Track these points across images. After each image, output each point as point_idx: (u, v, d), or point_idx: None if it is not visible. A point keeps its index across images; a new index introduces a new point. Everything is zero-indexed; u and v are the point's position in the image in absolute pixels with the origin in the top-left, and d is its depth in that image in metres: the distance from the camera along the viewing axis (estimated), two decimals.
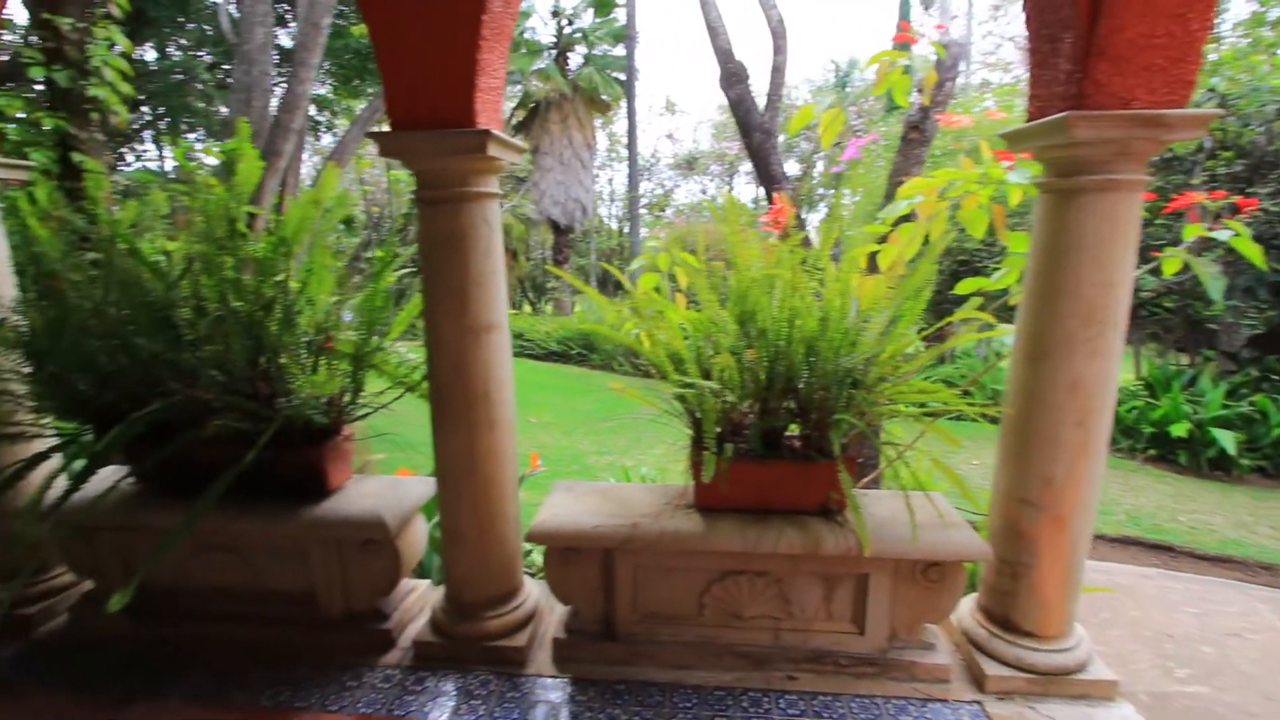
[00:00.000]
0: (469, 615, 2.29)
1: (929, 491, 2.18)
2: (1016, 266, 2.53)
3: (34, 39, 2.96)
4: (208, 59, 12.94)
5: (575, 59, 20.34)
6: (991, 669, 2.10)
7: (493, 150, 1.92)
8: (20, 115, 2.97)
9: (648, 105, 34.80)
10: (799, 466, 2.08)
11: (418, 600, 2.58)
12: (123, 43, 3.12)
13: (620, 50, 19.57)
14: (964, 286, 2.76)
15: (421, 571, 2.98)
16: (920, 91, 3.00)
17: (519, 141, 2.07)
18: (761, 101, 4.80)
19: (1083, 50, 1.68)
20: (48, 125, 2.92)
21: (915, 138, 3.70)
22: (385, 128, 1.95)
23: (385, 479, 2.50)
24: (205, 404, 1.92)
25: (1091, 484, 1.95)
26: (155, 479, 2.35)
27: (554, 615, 2.49)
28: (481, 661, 2.27)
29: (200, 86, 12.78)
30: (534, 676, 2.22)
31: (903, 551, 2.02)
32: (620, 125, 27.10)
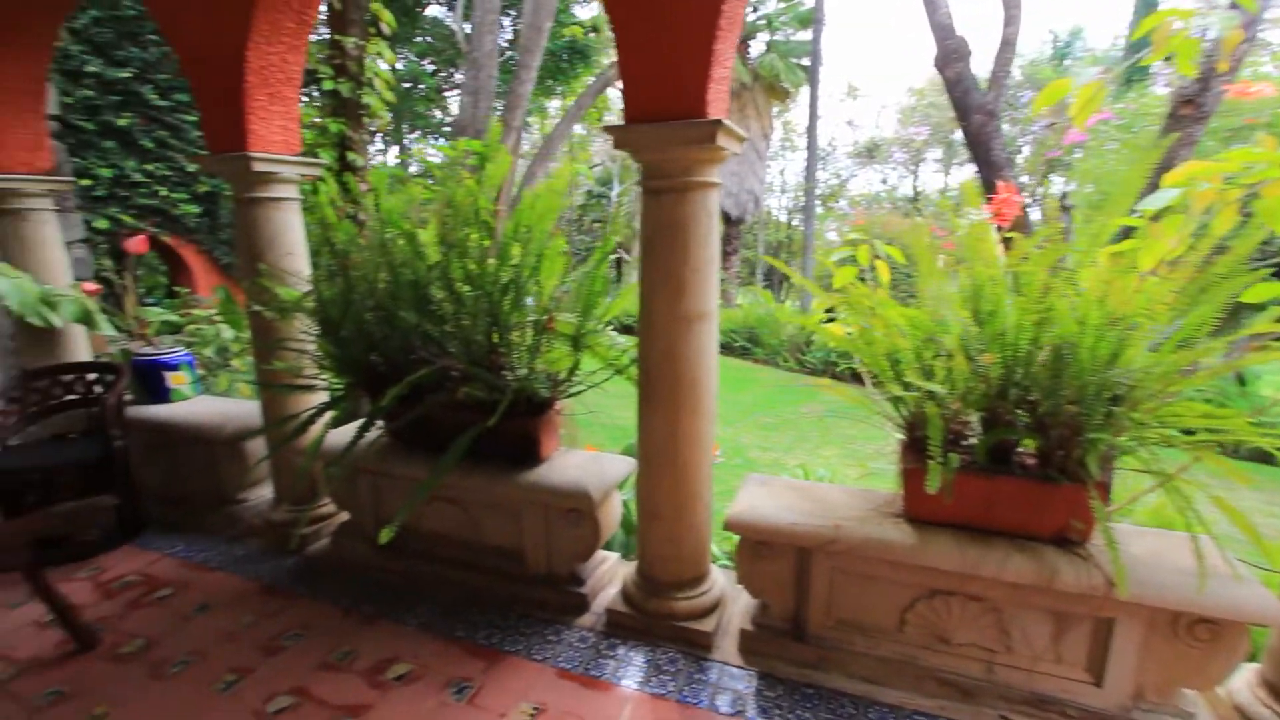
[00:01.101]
0: (659, 593, 2.37)
1: (1196, 534, 1.84)
2: None
3: (323, 56, 3.59)
4: (429, 67, 14.63)
5: (756, 46, 19.97)
6: None
7: (721, 140, 1.94)
8: (314, 121, 3.63)
9: (828, 91, 33.20)
10: (1036, 486, 1.86)
11: (609, 571, 2.73)
12: (388, 56, 3.67)
13: (805, 35, 18.85)
14: (1258, 293, 2.28)
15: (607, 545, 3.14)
16: (1209, 57, 2.52)
17: (742, 130, 2.06)
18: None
19: None
20: (333, 129, 3.53)
21: (1189, 114, 3.11)
22: (614, 121, 2.05)
23: (587, 454, 2.66)
24: (456, 372, 2.17)
25: None
26: (402, 434, 2.72)
27: (737, 605, 2.50)
28: (670, 639, 2.34)
29: (422, 91, 14.48)
30: (720, 663, 2.24)
31: (1168, 600, 1.72)
32: (797, 113, 26.19)
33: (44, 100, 3.48)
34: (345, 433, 2.85)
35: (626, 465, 2.63)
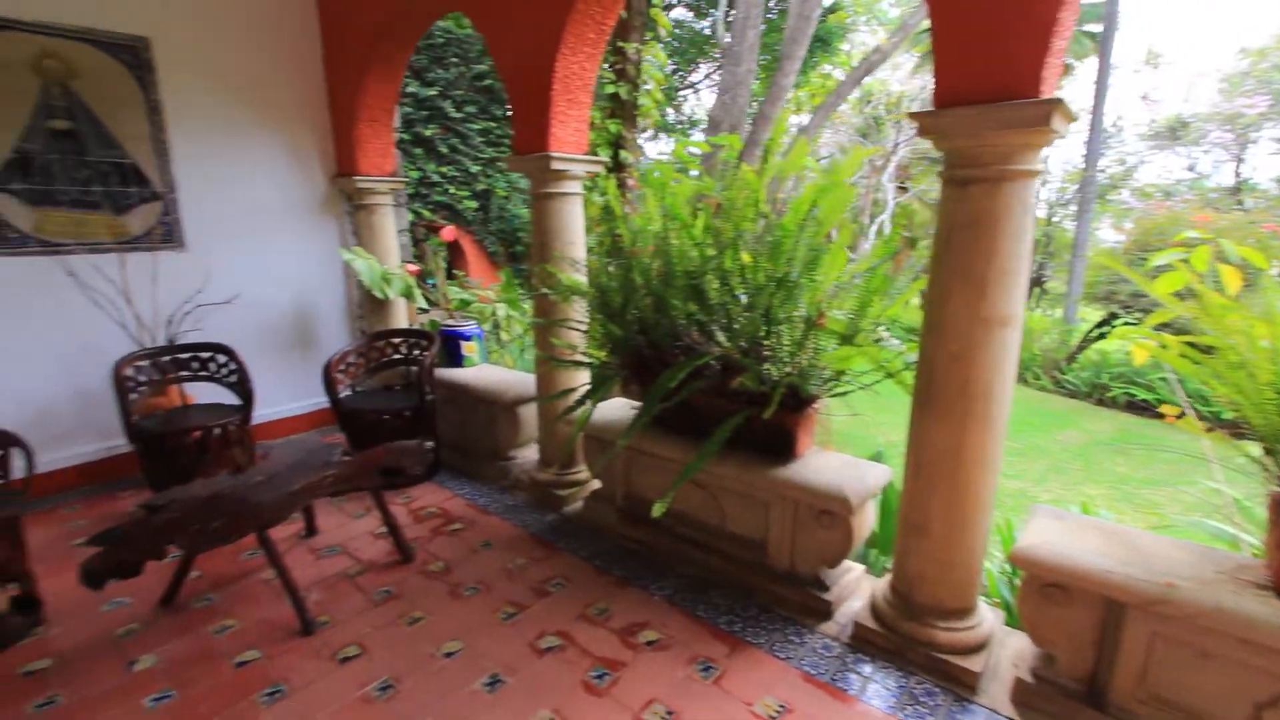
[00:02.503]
0: (916, 616, 2.20)
1: None
2: None
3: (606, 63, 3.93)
4: (669, 68, 15.21)
5: None
6: None
7: (1055, 122, 1.70)
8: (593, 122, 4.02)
9: (1119, 60, 27.72)
10: None
11: (853, 582, 2.60)
12: (661, 59, 3.90)
13: None
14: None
15: None
16: None
17: (1074, 108, 1.78)
18: None
19: None
20: (612, 129, 3.87)
21: None
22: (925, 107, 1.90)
23: (843, 456, 2.56)
24: (729, 363, 2.23)
25: None
26: (659, 415, 2.87)
27: (1006, 649, 2.22)
28: (925, 669, 2.16)
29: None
30: (988, 710, 2.01)
31: None
32: (1075, 87, 22.26)
33: (394, 116, 4.31)
34: (609, 408, 3.11)
35: (884, 473, 2.48)
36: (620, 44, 3.78)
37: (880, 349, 2.18)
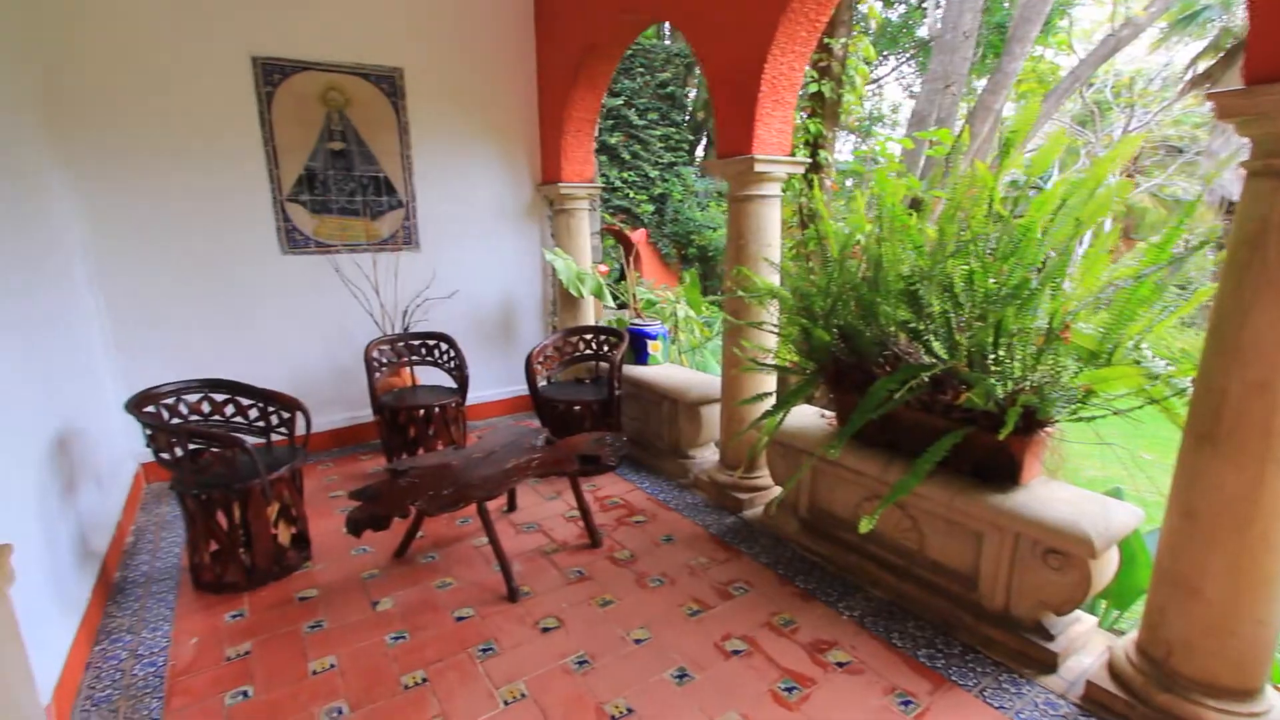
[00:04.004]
0: (1176, 688, 1.86)
1: None
2: None
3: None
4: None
5: None
6: None
7: None
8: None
9: None
10: None
11: (1083, 634, 2.27)
12: (870, 54, 3.73)
13: None
14: None
15: None
16: None
17: None
18: None
19: None
20: (812, 129, 3.79)
21: None
22: (1230, 86, 1.59)
23: (1080, 490, 2.25)
24: (950, 374, 2.07)
25: None
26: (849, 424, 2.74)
27: None
28: None
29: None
30: None
31: None
32: None
33: (595, 126, 4.58)
34: (796, 415, 3.03)
35: (1134, 515, 2.14)
36: (826, 39, 3.66)
37: (1143, 370, 1.87)
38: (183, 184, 3.74)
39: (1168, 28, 13.83)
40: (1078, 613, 2.30)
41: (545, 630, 2.45)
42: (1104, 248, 1.88)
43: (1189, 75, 13.30)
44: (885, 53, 13.59)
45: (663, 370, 4.17)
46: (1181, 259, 1.84)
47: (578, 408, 3.83)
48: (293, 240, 4.11)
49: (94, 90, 3.45)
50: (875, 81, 16.15)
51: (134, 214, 3.65)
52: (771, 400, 3.01)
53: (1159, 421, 1.97)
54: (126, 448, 3.73)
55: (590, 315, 4.83)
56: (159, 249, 3.75)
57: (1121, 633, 2.52)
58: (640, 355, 4.28)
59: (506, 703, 2.08)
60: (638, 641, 2.38)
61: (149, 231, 3.71)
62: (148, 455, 2.94)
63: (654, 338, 4.23)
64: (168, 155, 3.67)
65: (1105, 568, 2.12)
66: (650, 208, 10.80)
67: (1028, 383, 2.03)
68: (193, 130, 3.72)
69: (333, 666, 2.27)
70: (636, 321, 4.37)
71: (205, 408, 3.07)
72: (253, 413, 3.12)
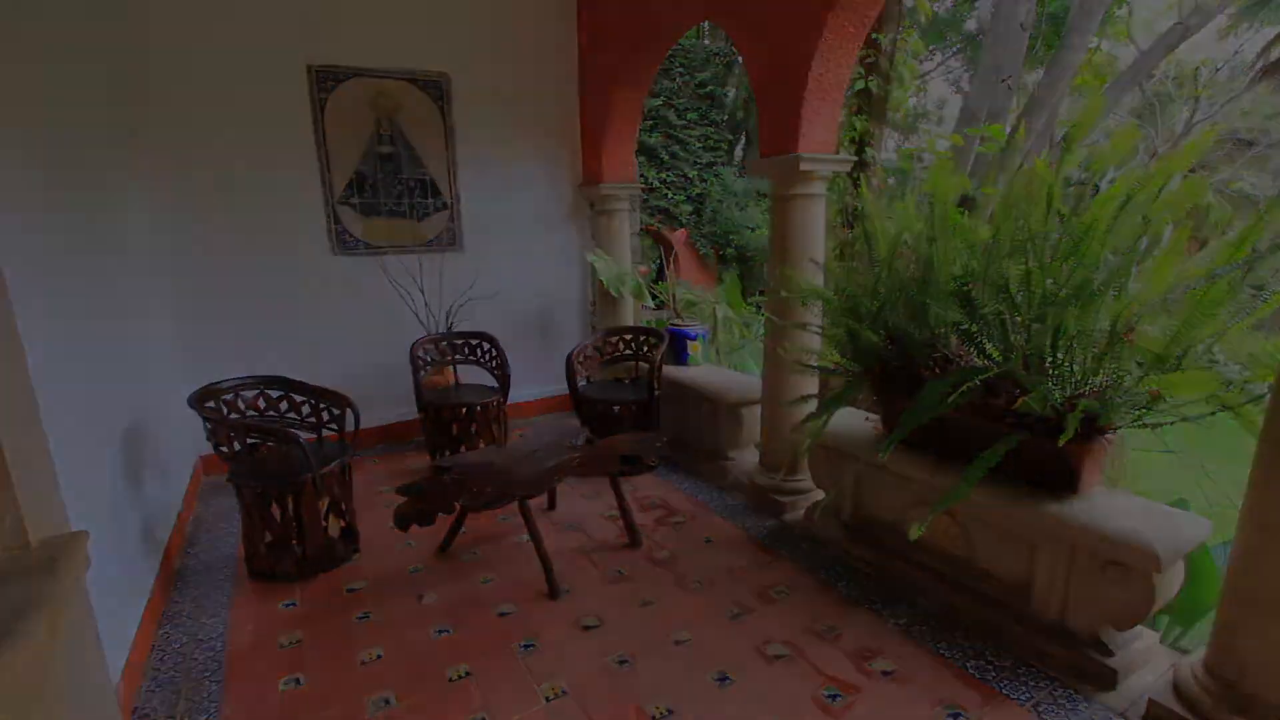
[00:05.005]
0: (1248, 711, 1.76)
1: None
2: None
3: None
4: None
5: None
6: None
7: None
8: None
9: None
10: None
11: (1144, 651, 2.17)
12: (919, 49, 3.64)
13: None
14: None
15: None
16: None
17: None
18: None
19: None
20: (859, 127, 3.73)
21: None
22: None
23: (1142, 500, 2.15)
24: (1005, 377, 2.00)
25: None
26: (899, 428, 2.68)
27: None
28: None
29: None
30: None
31: None
32: None
33: (637, 127, 4.59)
34: (839, 417, 2.98)
35: (1203, 527, 2.03)
36: (874, 34, 3.59)
37: (1218, 375, 1.78)
38: (242, 189, 3.90)
39: (1237, 14, 13.11)
40: (1139, 628, 2.20)
41: (586, 628, 2.47)
42: (1174, 248, 1.79)
43: (1260, 64, 12.58)
44: (932, 48, 13.26)
45: (702, 371, 4.16)
46: (1258, 259, 1.74)
47: (617, 408, 3.85)
48: (343, 242, 4.23)
49: (158, 102, 3.63)
50: (921, 77, 15.77)
51: (197, 217, 3.82)
52: (814, 403, 2.97)
53: (1227, 430, 1.87)
54: (188, 440, 3.90)
55: (630, 315, 4.84)
56: (219, 251, 3.92)
57: (1186, 651, 2.40)
58: (680, 356, 4.27)
59: (548, 699, 2.10)
60: (678, 643, 2.37)
61: (210, 233, 3.88)
62: (207, 448, 3.07)
63: (693, 338, 4.22)
64: (228, 161, 3.84)
65: (1170, 582, 2.02)
66: (689, 208, 10.76)
67: (1088, 386, 1.95)
68: (252, 137, 3.87)
69: (380, 657, 2.33)
70: (676, 322, 4.36)
71: (261, 403, 3.19)
72: (305, 409, 3.22)
